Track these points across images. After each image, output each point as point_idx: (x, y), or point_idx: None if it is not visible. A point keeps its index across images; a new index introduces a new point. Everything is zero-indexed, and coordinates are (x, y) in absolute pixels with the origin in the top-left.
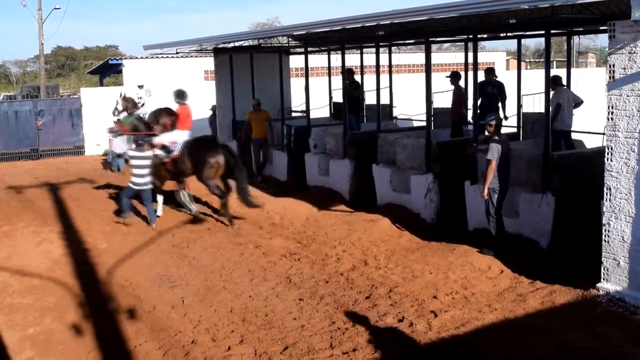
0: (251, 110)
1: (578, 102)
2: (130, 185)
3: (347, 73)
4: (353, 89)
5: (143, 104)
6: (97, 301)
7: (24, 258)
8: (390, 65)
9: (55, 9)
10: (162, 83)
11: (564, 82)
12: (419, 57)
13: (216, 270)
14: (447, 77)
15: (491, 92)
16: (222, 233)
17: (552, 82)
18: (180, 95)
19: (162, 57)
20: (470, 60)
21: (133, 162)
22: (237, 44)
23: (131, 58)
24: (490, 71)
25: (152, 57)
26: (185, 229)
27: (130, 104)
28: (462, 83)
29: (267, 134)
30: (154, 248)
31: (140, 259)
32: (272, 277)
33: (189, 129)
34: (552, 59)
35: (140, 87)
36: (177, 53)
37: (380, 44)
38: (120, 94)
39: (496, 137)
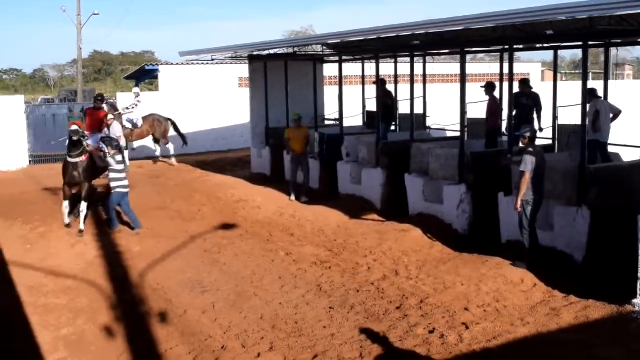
0: (291, 126)
1: (616, 113)
2: (120, 190)
3: (380, 83)
4: (386, 98)
5: (135, 106)
6: (129, 304)
7: (59, 259)
8: (424, 75)
9: (94, 14)
10: (197, 89)
11: (601, 94)
12: (453, 67)
13: (247, 276)
14: (481, 87)
15: (525, 103)
16: (254, 239)
17: (589, 95)
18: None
19: (198, 63)
20: (505, 70)
21: (118, 167)
22: (272, 51)
23: (167, 64)
24: (524, 82)
25: (187, 64)
26: (217, 234)
27: (112, 109)
28: (496, 94)
29: (305, 150)
30: (186, 253)
31: (172, 263)
32: (303, 284)
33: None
34: (588, 71)
35: (137, 95)
36: (212, 60)
37: (415, 53)
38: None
39: (530, 149)
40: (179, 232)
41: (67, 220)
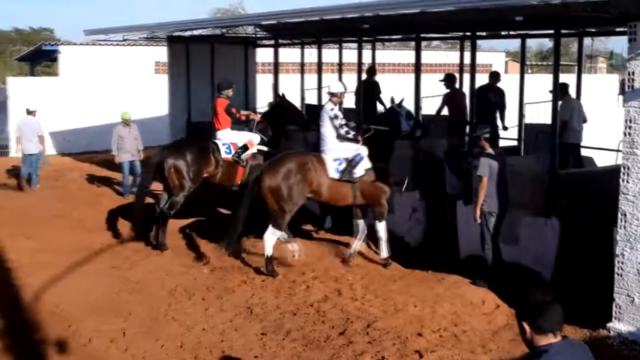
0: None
1: (583, 120)
2: None
3: (368, 73)
4: (372, 92)
5: None
6: (20, 330)
7: None
8: (373, 63)
9: None
10: (105, 74)
11: (574, 89)
12: (406, 55)
13: (164, 297)
14: (440, 80)
15: (493, 100)
16: (172, 253)
17: (560, 91)
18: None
19: (107, 44)
20: (466, 61)
21: None
22: (195, 32)
23: (69, 44)
24: (495, 75)
25: (94, 44)
26: (128, 247)
27: None
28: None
29: None
30: (91, 269)
31: (74, 282)
32: (230, 306)
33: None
34: (559, 63)
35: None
36: (124, 40)
37: (363, 38)
38: None
39: (489, 151)
40: (82, 245)
41: None
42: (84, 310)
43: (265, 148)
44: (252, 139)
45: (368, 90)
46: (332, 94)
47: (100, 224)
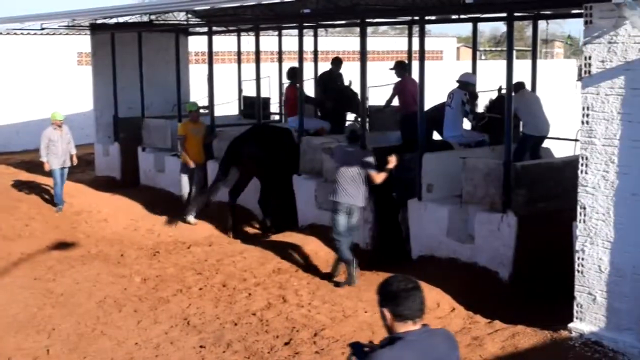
0: (185, 121)
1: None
2: None
3: (334, 63)
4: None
5: None
6: None
7: None
8: (315, 51)
9: None
10: (22, 67)
11: (530, 75)
12: (351, 42)
13: (92, 310)
14: (391, 69)
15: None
16: (100, 262)
17: (515, 87)
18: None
19: (23, 33)
20: (415, 47)
21: None
22: (121, 19)
23: None
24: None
25: (8, 34)
26: (50, 256)
27: None
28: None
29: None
30: (9, 282)
31: None
32: (165, 318)
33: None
34: (513, 48)
35: None
36: (42, 29)
37: (304, 24)
38: None
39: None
40: None
41: None
42: (2, 327)
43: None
44: (324, 126)
45: (332, 82)
46: (467, 83)
47: (20, 231)
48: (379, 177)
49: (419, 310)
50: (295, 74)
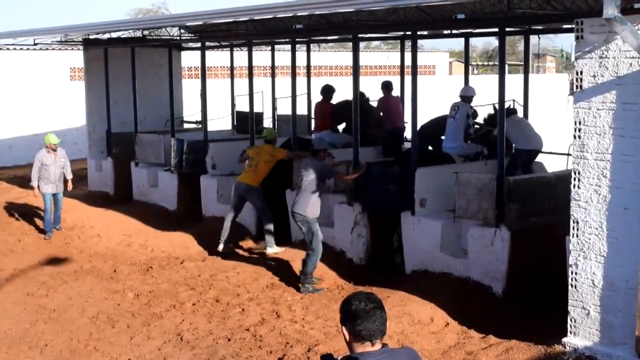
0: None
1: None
2: None
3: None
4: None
5: None
6: None
7: None
8: (308, 66)
9: None
10: (14, 82)
11: (520, 88)
12: (343, 57)
13: (84, 326)
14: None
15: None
16: (93, 277)
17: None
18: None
19: (15, 49)
20: (408, 62)
21: None
22: (114, 34)
23: None
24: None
25: (0, 49)
26: (43, 272)
27: None
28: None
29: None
30: (1, 297)
31: None
32: (158, 334)
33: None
34: (505, 62)
35: None
36: (35, 44)
37: (297, 39)
38: None
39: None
40: None
41: None
42: None
43: None
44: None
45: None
46: (469, 96)
47: (12, 246)
48: (345, 177)
49: (379, 330)
50: (329, 91)
